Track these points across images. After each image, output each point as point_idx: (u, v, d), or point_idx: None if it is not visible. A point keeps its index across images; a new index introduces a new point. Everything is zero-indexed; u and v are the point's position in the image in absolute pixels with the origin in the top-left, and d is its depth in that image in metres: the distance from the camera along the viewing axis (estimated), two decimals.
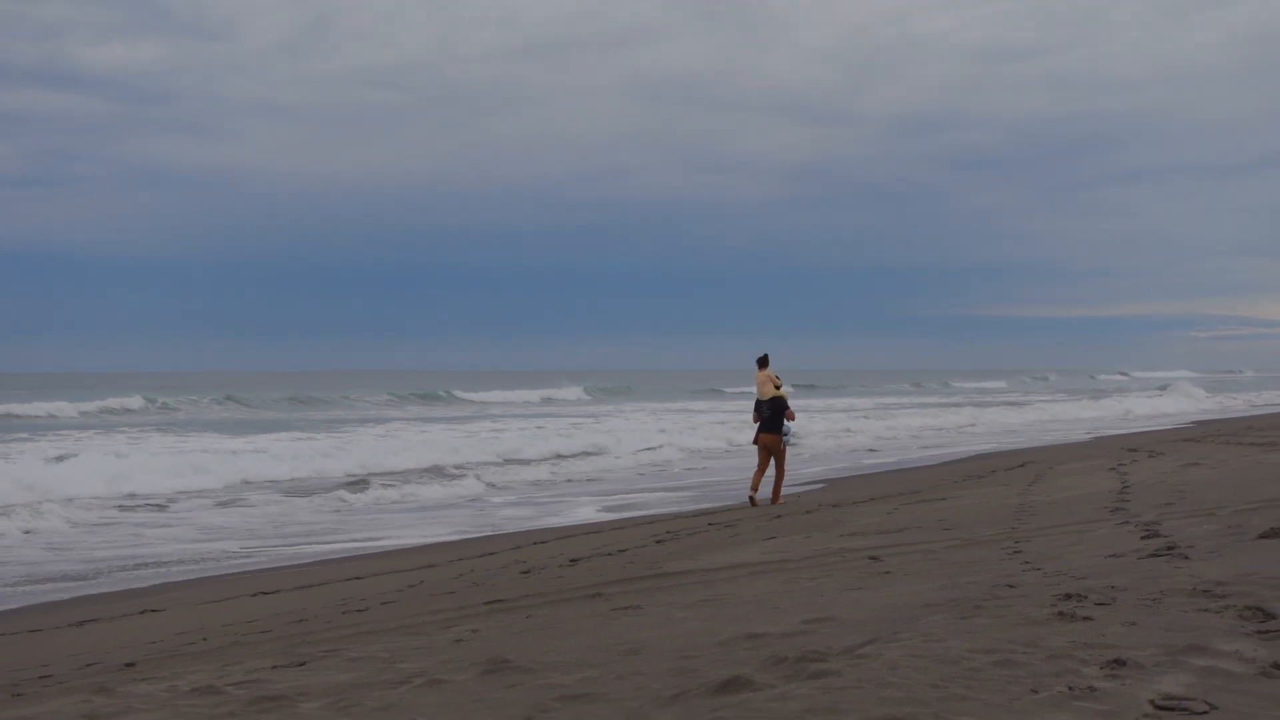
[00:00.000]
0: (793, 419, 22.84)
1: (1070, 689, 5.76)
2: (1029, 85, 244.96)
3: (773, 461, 22.97)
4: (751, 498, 22.12)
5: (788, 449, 23.02)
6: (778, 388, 22.67)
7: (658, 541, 16.74)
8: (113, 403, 68.58)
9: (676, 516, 21.37)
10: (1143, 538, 11.08)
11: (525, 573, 14.37)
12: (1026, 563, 10.28)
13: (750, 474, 23.78)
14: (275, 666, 8.82)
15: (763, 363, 22.91)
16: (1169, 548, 10.12)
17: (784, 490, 23.37)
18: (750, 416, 23.48)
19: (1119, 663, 6.11)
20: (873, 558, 11.98)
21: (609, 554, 15.59)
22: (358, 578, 15.80)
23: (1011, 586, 8.82)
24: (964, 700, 5.68)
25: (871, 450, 41.04)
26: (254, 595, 14.87)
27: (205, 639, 11.57)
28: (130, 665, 10.28)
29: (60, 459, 32.40)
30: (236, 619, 12.78)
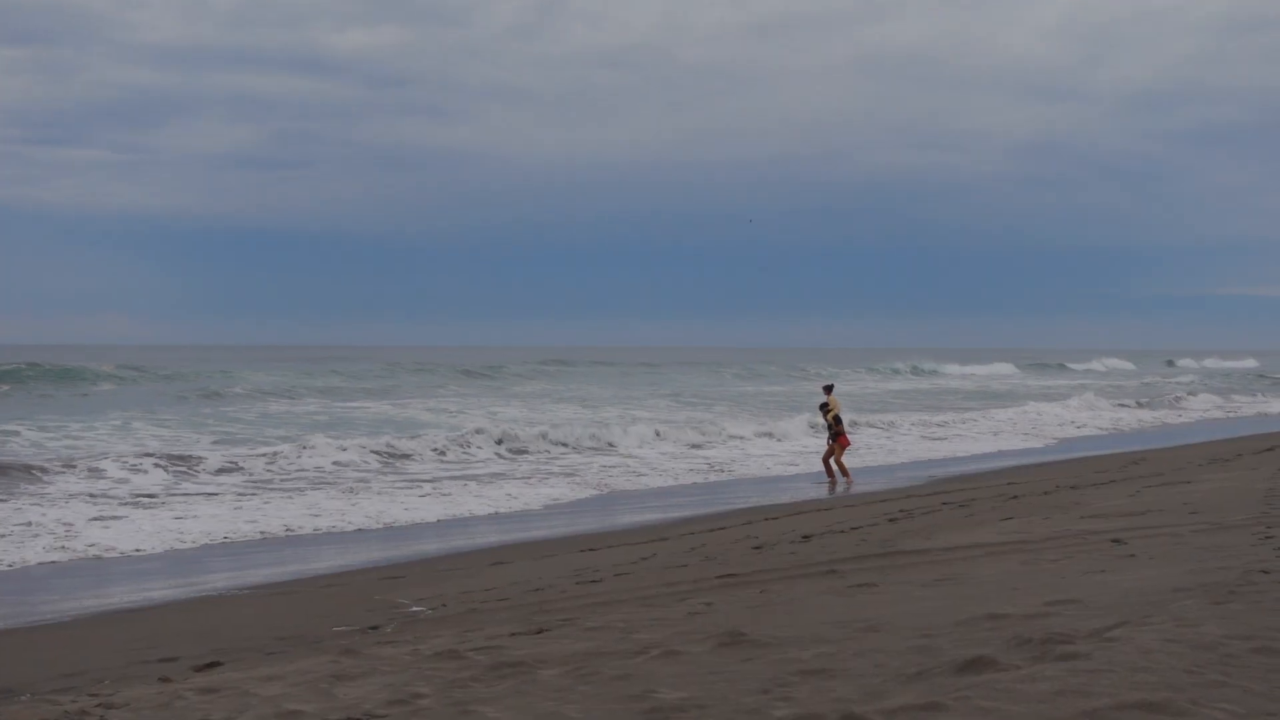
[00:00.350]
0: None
1: None
2: (1274, 55, 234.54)
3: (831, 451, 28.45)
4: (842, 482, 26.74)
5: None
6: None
7: (890, 520, 16.55)
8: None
9: (909, 495, 21.12)
10: None
11: (757, 548, 14.34)
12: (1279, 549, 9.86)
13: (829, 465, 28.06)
14: (514, 634, 8.98)
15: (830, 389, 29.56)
16: None
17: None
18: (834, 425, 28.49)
19: None
20: (1116, 540, 11.63)
21: (841, 531, 15.47)
22: (591, 549, 15.98)
23: (1266, 572, 8.47)
24: (1222, 687, 5.47)
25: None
26: (492, 565, 15.15)
27: (445, 605, 11.84)
28: (374, 629, 10.59)
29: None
30: (474, 587, 13.03)
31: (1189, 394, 65.77)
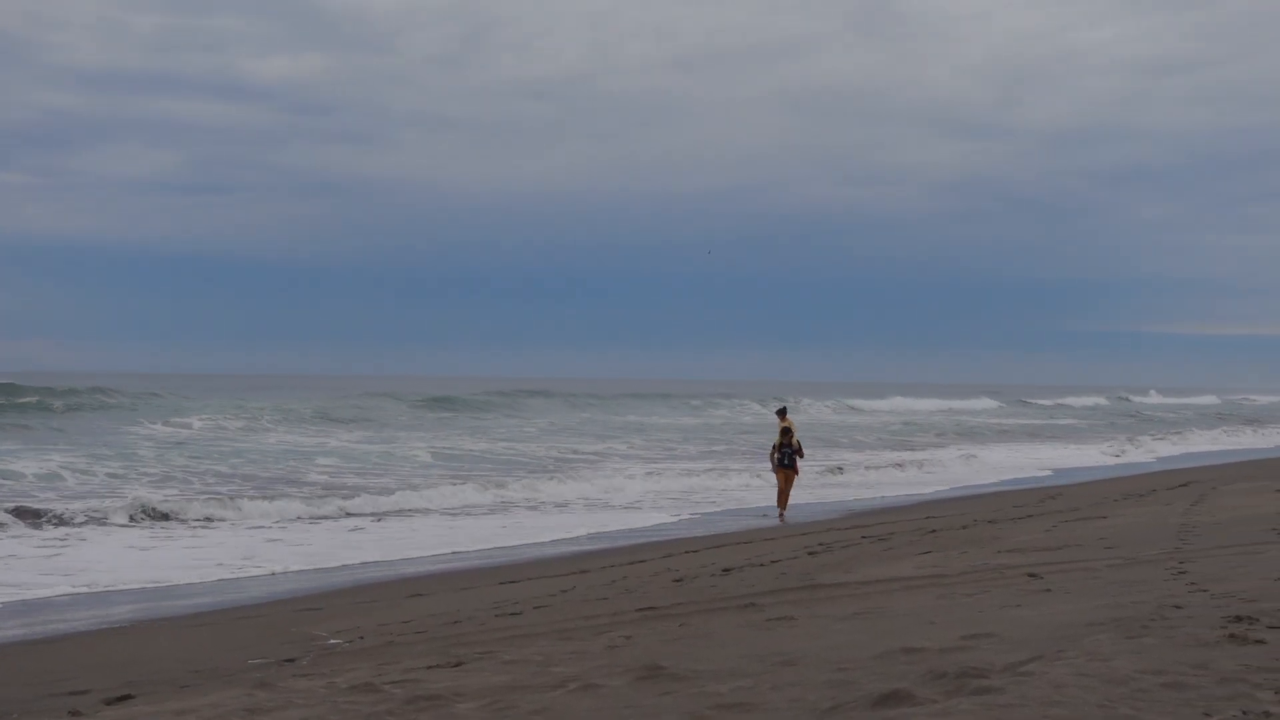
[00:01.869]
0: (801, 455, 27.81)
1: (1244, 713, 5.57)
2: (1191, 99, 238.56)
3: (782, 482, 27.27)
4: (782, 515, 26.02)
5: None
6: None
7: (810, 553, 16.62)
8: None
9: (830, 528, 21.22)
10: None
11: (677, 580, 14.35)
12: (1193, 583, 9.99)
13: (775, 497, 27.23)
14: (431, 667, 8.91)
15: (784, 413, 28.42)
16: None
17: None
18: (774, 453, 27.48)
19: None
20: (1032, 575, 11.75)
21: (761, 564, 15.51)
22: (511, 581, 15.91)
23: (1178, 607, 8.57)
24: None
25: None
26: (410, 597, 15.04)
27: (362, 637, 11.74)
28: (290, 661, 10.47)
29: None
30: (392, 619, 12.94)
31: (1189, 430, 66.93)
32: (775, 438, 27.59)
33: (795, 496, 27.14)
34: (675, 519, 25.30)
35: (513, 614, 12.44)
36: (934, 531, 18.54)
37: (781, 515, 25.79)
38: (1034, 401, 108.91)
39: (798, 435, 27.78)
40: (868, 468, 38.88)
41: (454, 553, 20.13)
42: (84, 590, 16.22)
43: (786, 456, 27.02)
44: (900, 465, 39.90)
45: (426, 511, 26.40)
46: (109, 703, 8.92)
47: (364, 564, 18.92)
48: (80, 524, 22.65)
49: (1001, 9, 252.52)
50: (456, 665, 8.88)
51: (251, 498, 27.00)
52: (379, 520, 24.90)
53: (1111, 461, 44.58)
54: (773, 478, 28.03)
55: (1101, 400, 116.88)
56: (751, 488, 32.36)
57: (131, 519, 23.39)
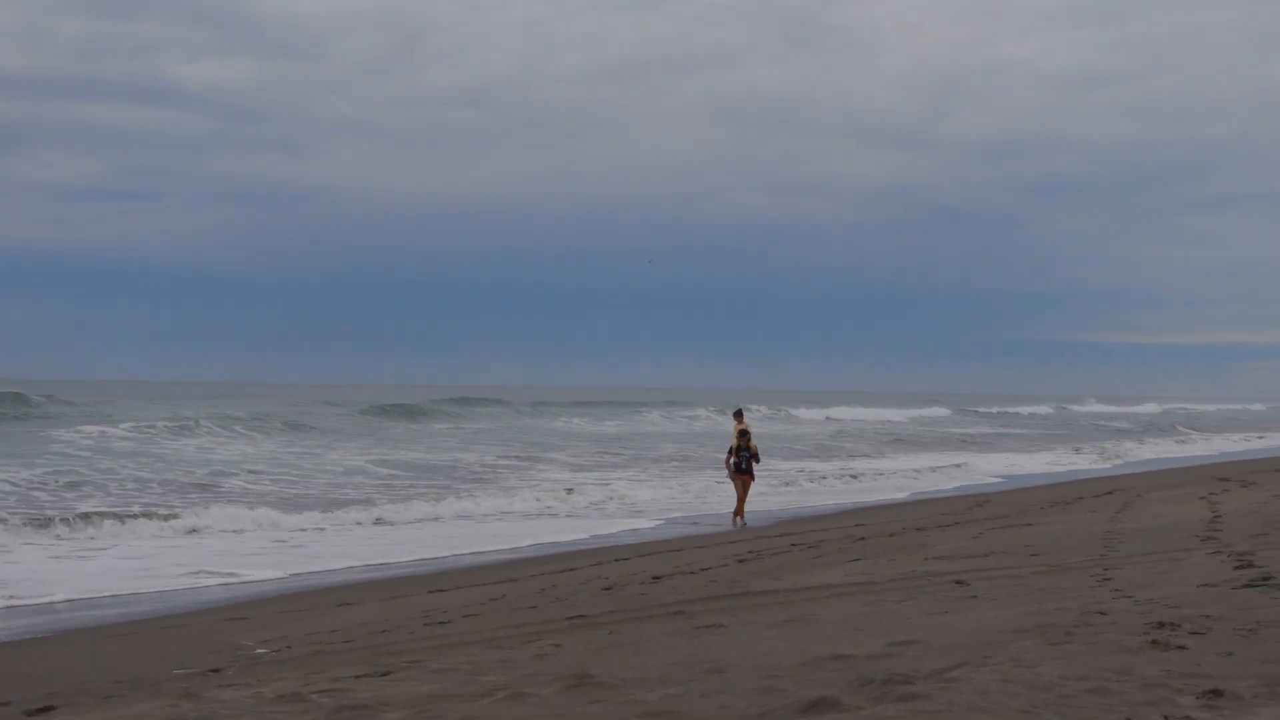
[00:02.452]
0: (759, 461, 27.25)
1: (1166, 718, 5.64)
2: (1116, 112, 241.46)
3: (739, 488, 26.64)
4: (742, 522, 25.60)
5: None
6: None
7: (740, 561, 16.66)
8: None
9: (759, 536, 21.29)
10: (1236, 568, 10.87)
11: (607, 589, 14.35)
12: (1117, 590, 10.11)
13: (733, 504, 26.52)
14: (359, 676, 8.86)
15: (741, 415, 27.80)
16: (1264, 578, 9.91)
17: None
18: (729, 458, 26.89)
19: (1216, 693, 5.98)
20: (959, 582, 11.84)
21: (691, 572, 15.53)
22: (441, 590, 15.85)
23: (1102, 614, 8.67)
24: None
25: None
26: (339, 606, 14.95)
27: (289, 647, 11.65)
28: (216, 671, 10.37)
29: None
30: (320, 628, 12.85)
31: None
32: (732, 440, 26.92)
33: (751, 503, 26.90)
34: (619, 529, 25.29)
35: (441, 623, 12.39)
36: (863, 539, 18.64)
37: (741, 522, 25.37)
38: (981, 410, 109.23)
39: (755, 440, 27.13)
40: (820, 478, 38.68)
41: (384, 562, 20.02)
42: (2, 603, 15.98)
43: (744, 461, 26.39)
44: (857, 476, 39.70)
45: (359, 521, 26.22)
46: (29, 714, 8.79)
47: (292, 574, 18.78)
48: None
49: (930, 22, 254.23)
50: (384, 675, 8.84)
51: (178, 505, 26.74)
52: (310, 530, 24.73)
53: (1079, 467, 45.22)
54: (730, 483, 27.20)
55: (1046, 409, 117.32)
56: (705, 493, 32.43)
57: (52, 527, 23.06)
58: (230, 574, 18.53)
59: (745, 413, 28.48)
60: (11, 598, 16.21)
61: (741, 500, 26.02)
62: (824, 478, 38.63)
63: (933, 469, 43.27)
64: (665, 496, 32.42)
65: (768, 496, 31.50)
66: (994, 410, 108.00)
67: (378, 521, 26.19)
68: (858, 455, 51.64)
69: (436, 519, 26.97)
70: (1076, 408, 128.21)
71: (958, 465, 44.63)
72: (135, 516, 24.52)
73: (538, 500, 30.68)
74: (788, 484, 36.22)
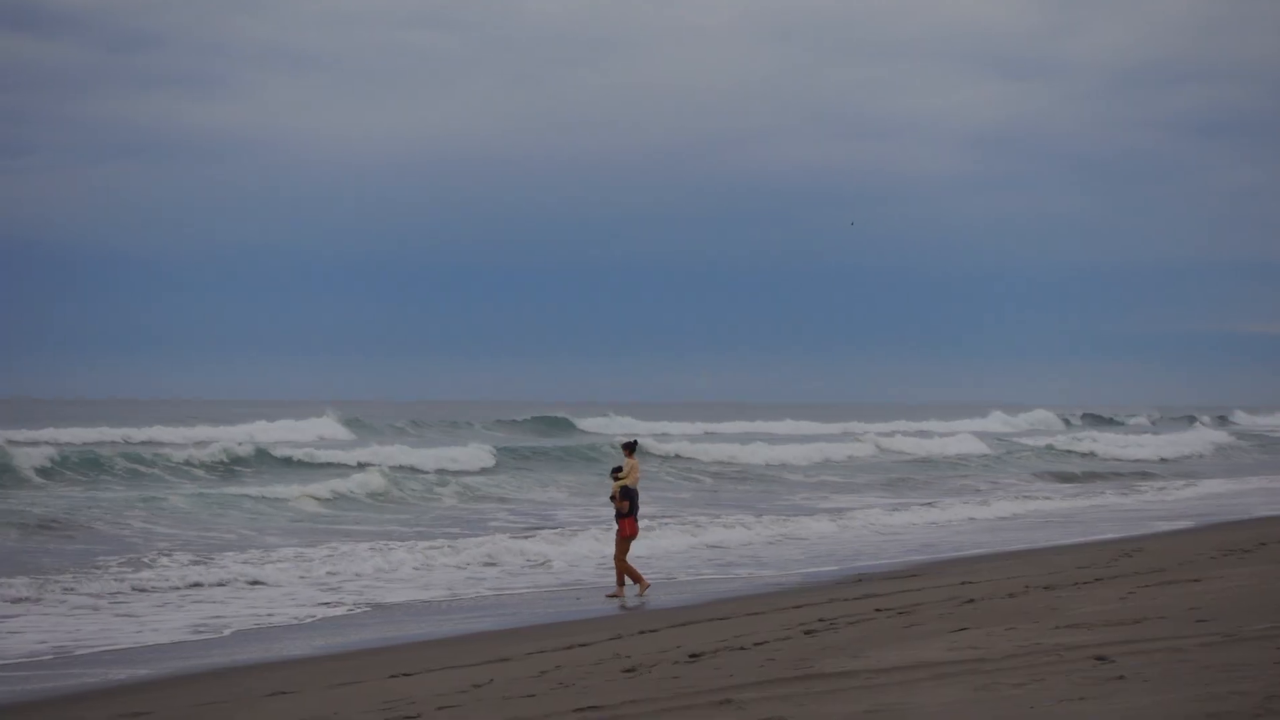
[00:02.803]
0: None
1: None
2: None
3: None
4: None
5: None
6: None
7: (806, 631, 16.70)
8: None
9: (832, 598, 21.32)
10: None
11: (629, 671, 14.40)
12: None
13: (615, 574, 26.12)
14: None
15: (634, 448, 27.62)
16: None
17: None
18: (618, 501, 26.51)
19: None
20: (1100, 658, 11.87)
21: (742, 647, 15.58)
22: (405, 674, 15.94)
23: None
24: None
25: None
26: (270, 696, 15.05)
27: None
28: None
29: None
30: None
31: None
32: (622, 480, 26.56)
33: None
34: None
35: (408, 718, 12.47)
36: (971, 601, 18.68)
37: (641, 586, 25.45)
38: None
39: (634, 480, 26.73)
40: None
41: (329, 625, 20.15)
42: None
43: (635, 508, 26.32)
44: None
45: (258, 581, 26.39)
46: None
47: (199, 642, 18.92)
48: None
49: None
50: None
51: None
52: (204, 586, 25.11)
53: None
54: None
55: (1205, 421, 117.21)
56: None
57: None
58: (114, 645, 18.71)
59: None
60: None
61: (621, 556, 26.02)
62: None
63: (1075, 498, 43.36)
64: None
65: (841, 538, 31.56)
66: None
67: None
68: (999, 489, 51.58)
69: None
70: (1253, 418, 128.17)
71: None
72: None
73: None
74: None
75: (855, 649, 14.54)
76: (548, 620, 21.28)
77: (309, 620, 21.83)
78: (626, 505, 26.03)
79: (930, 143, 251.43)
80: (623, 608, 23.69)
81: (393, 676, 15.88)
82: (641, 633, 18.36)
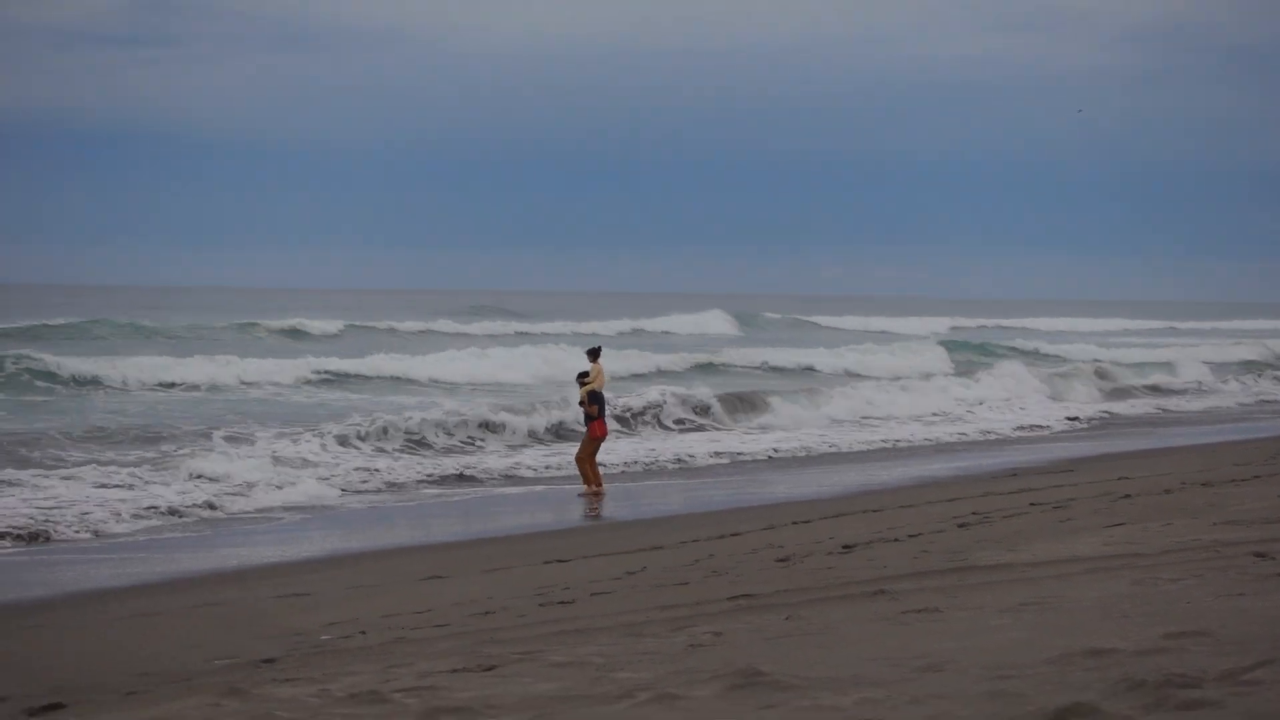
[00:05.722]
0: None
1: None
2: None
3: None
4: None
5: None
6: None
7: (960, 525, 16.62)
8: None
9: (988, 492, 21.19)
10: None
11: (782, 560, 14.41)
12: None
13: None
14: (455, 670, 9.02)
15: (598, 354, 28.25)
16: None
17: None
18: (587, 406, 27.06)
19: None
20: (1259, 555, 11.71)
21: (895, 539, 15.53)
22: (560, 560, 16.03)
23: None
24: None
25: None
26: (426, 579, 15.19)
27: (364, 632, 11.88)
28: (269, 661, 10.62)
29: None
30: (403, 609, 13.07)
31: None
32: (589, 385, 27.04)
33: None
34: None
35: (562, 603, 12.54)
36: (1127, 497, 18.49)
37: (598, 490, 25.79)
38: None
39: (600, 384, 27.26)
40: None
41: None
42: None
43: (585, 419, 26.99)
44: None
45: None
46: (32, 714, 9.10)
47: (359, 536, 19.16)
48: None
49: None
50: (489, 669, 8.98)
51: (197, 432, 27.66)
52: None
53: None
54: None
55: None
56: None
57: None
58: (278, 536, 18.98)
59: None
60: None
61: (588, 459, 26.41)
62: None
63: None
64: None
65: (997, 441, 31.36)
66: None
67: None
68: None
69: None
70: None
71: None
72: None
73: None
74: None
75: (1010, 542, 14.45)
76: (699, 510, 21.31)
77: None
78: (595, 409, 26.59)
79: (1080, 36, 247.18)
80: (592, 506, 23.97)
81: (546, 563, 15.99)
82: (795, 523, 18.34)
